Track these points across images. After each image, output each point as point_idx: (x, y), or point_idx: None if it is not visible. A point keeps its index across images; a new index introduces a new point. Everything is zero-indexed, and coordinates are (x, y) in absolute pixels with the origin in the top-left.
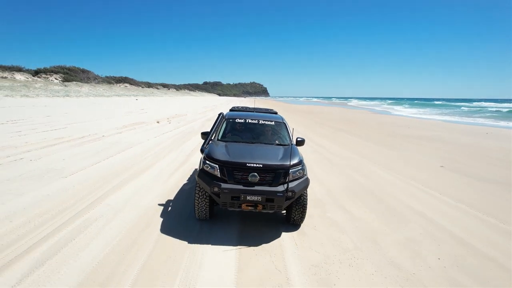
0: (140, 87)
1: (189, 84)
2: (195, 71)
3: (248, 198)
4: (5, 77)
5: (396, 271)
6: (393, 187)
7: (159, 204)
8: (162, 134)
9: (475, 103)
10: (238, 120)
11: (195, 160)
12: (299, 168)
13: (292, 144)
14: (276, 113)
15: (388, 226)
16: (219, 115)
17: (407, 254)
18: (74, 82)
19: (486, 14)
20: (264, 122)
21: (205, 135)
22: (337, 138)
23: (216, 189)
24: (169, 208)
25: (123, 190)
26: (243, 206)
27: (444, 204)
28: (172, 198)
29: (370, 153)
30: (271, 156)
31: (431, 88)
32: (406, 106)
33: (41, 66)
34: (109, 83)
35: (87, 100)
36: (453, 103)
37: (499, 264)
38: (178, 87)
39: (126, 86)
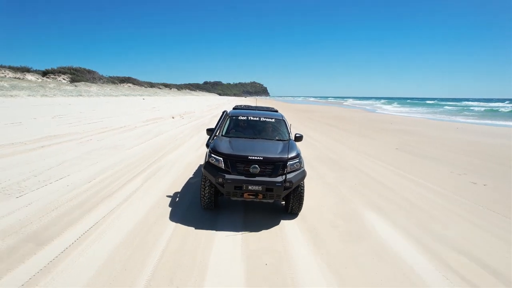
0: (143, 87)
1: (189, 84)
2: (195, 70)
3: (250, 187)
4: (18, 78)
5: (331, 186)
6: (350, 158)
7: (197, 162)
8: (180, 126)
9: (464, 102)
10: (240, 118)
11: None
12: (297, 161)
13: (290, 140)
14: (276, 111)
15: (333, 172)
16: (223, 112)
17: (338, 181)
18: (83, 83)
19: (483, 15)
20: (265, 119)
21: (210, 131)
22: (325, 131)
23: (220, 180)
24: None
25: (171, 155)
26: (245, 195)
27: (378, 166)
28: (202, 160)
29: (347, 141)
30: (271, 150)
31: (425, 87)
32: (397, 105)
33: (42, 66)
34: (113, 83)
35: (99, 100)
36: (444, 103)
37: (393, 190)
38: (179, 87)
39: (129, 86)
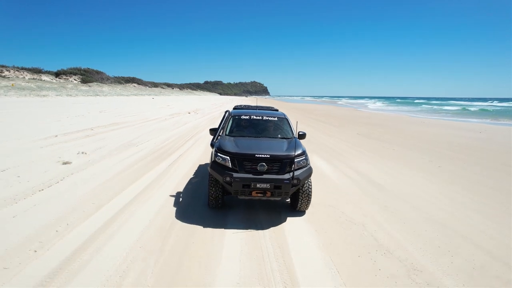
0: (147, 87)
1: (190, 84)
2: (195, 70)
3: (258, 185)
4: (35, 79)
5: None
6: (321, 139)
7: None
8: (198, 119)
9: (451, 101)
10: (243, 117)
11: None
12: (303, 158)
13: (295, 137)
14: (277, 110)
15: (308, 148)
16: (226, 112)
17: (313, 151)
18: (95, 83)
19: (480, 15)
20: (267, 118)
21: (213, 131)
22: (311, 124)
23: (228, 179)
24: None
25: (201, 133)
26: (253, 193)
27: (336, 141)
28: None
29: (325, 130)
30: (277, 148)
31: (418, 87)
32: (383, 104)
33: (44, 66)
34: (120, 83)
35: (116, 99)
36: (433, 101)
37: (334, 150)
38: (181, 87)
39: (134, 85)
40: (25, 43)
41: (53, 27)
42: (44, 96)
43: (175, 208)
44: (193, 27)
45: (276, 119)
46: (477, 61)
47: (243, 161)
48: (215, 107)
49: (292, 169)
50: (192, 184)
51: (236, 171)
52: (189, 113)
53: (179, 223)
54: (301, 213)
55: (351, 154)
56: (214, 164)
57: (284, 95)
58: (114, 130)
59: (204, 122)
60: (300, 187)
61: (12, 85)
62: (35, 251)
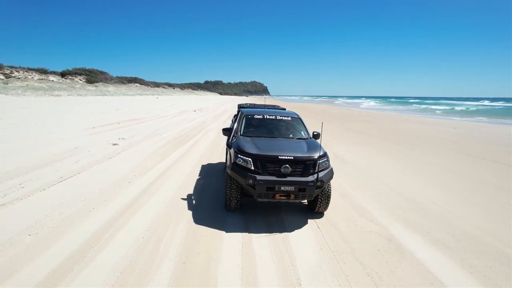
0: (149, 87)
1: (191, 83)
2: (196, 70)
3: (282, 188)
4: (43, 79)
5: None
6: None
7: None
8: (204, 116)
9: (444, 101)
10: (257, 116)
11: (227, 123)
12: (325, 159)
13: (311, 138)
14: (284, 109)
15: None
16: (238, 111)
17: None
18: (101, 83)
19: (484, 14)
20: (281, 117)
21: (227, 131)
22: (310, 122)
23: (251, 181)
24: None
25: (210, 126)
26: (277, 196)
27: (327, 135)
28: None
29: (316, 125)
30: (298, 149)
31: (413, 87)
32: (376, 103)
33: (44, 66)
34: (123, 83)
35: (122, 98)
36: (427, 101)
37: (332, 142)
38: (182, 86)
39: (137, 85)
40: (25, 43)
41: (52, 27)
42: (57, 96)
43: (200, 169)
44: (193, 27)
45: (290, 118)
46: (473, 60)
47: (266, 163)
48: (217, 106)
49: (316, 170)
50: (208, 157)
51: (259, 173)
52: (194, 111)
53: (204, 177)
54: (319, 214)
55: (333, 143)
56: (234, 165)
57: (284, 94)
58: (136, 124)
59: (210, 119)
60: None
61: (27, 85)
62: (120, 187)
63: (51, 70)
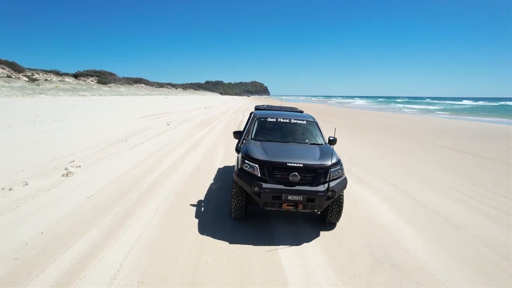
0: (154, 87)
1: (192, 83)
2: (196, 70)
3: (290, 197)
4: (61, 80)
5: None
6: None
7: (228, 120)
8: (214, 111)
9: (427, 100)
10: (270, 119)
11: (233, 117)
12: (338, 167)
13: (326, 144)
14: (302, 111)
15: None
16: (251, 114)
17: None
18: (113, 84)
19: (485, 14)
20: (296, 121)
21: (238, 134)
22: None
23: (257, 189)
24: (232, 117)
25: (220, 118)
26: (284, 205)
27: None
28: (231, 122)
29: None
30: (310, 156)
31: (407, 87)
32: (369, 102)
33: (46, 67)
34: (129, 83)
35: (136, 98)
36: (413, 100)
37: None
38: (184, 87)
39: (142, 86)
40: (23, 43)
41: (52, 27)
42: (83, 96)
43: (221, 136)
44: (193, 27)
45: (305, 122)
46: (466, 61)
47: (273, 170)
48: (221, 105)
49: (327, 180)
50: (224, 132)
51: (266, 181)
52: (205, 108)
53: (222, 138)
54: (331, 225)
55: None
56: (241, 171)
57: (283, 94)
58: (168, 115)
59: (219, 113)
60: None
61: (56, 87)
62: (185, 140)
63: (63, 72)
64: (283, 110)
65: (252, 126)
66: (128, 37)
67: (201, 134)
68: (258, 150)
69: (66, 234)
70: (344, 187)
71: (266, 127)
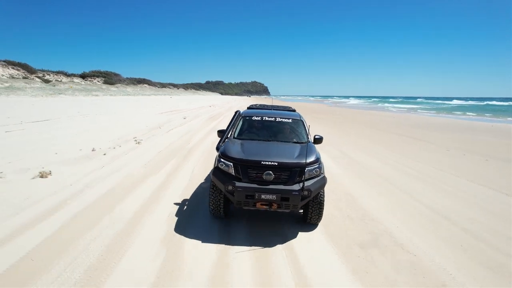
0: (157, 87)
1: (192, 83)
2: (196, 70)
3: (263, 197)
4: (71, 81)
5: None
6: None
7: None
8: (218, 109)
9: (419, 100)
10: (254, 118)
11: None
12: (316, 166)
13: (309, 142)
14: (294, 110)
15: None
16: (236, 112)
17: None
18: (119, 84)
19: (485, 15)
20: (281, 119)
21: (221, 133)
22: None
23: (230, 188)
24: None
25: (225, 114)
26: (258, 205)
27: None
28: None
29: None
30: (287, 154)
31: (401, 87)
32: (363, 101)
33: (50, 67)
34: (133, 84)
35: (143, 98)
36: (406, 100)
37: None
38: (186, 87)
39: (145, 86)
40: (24, 43)
41: (52, 27)
42: (96, 96)
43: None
44: (194, 27)
45: (290, 120)
46: (467, 61)
47: (247, 168)
48: (223, 104)
49: (303, 179)
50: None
51: (240, 180)
52: (210, 106)
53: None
54: (312, 226)
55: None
56: (216, 170)
57: (283, 94)
58: (181, 112)
59: (223, 111)
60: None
61: (71, 87)
62: (201, 129)
63: (69, 73)
64: (274, 109)
65: (236, 125)
66: (128, 37)
67: (213, 124)
68: (235, 149)
69: (160, 162)
70: (322, 186)
71: (250, 126)
